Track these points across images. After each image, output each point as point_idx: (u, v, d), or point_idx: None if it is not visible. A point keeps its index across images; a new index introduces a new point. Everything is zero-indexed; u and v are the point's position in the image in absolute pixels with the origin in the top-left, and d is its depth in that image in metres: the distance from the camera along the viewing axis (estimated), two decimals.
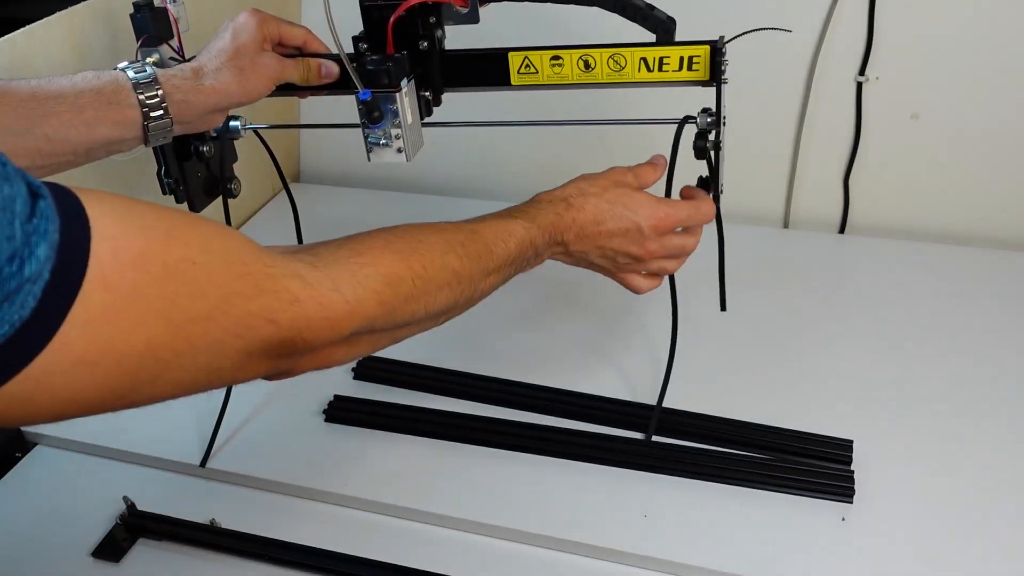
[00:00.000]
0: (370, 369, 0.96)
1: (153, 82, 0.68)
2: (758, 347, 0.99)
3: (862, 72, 1.16)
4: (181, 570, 0.77)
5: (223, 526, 0.79)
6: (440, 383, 0.94)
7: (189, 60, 0.79)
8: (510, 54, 0.78)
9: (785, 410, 0.88)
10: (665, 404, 0.89)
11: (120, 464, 0.87)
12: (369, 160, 0.79)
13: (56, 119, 0.64)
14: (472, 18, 0.76)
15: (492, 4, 0.78)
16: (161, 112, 0.68)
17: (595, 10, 0.76)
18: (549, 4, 0.76)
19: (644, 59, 0.75)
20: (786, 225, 1.27)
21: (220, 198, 0.88)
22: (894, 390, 0.92)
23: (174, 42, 0.79)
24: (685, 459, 0.84)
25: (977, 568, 0.73)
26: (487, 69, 0.79)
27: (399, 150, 0.78)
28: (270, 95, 0.77)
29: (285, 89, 0.79)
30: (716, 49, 0.74)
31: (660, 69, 0.75)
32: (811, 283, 1.10)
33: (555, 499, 0.81)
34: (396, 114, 0.76)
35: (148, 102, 0.68)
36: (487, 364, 0.96)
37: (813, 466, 0.82)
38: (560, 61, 0.77)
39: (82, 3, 0.90)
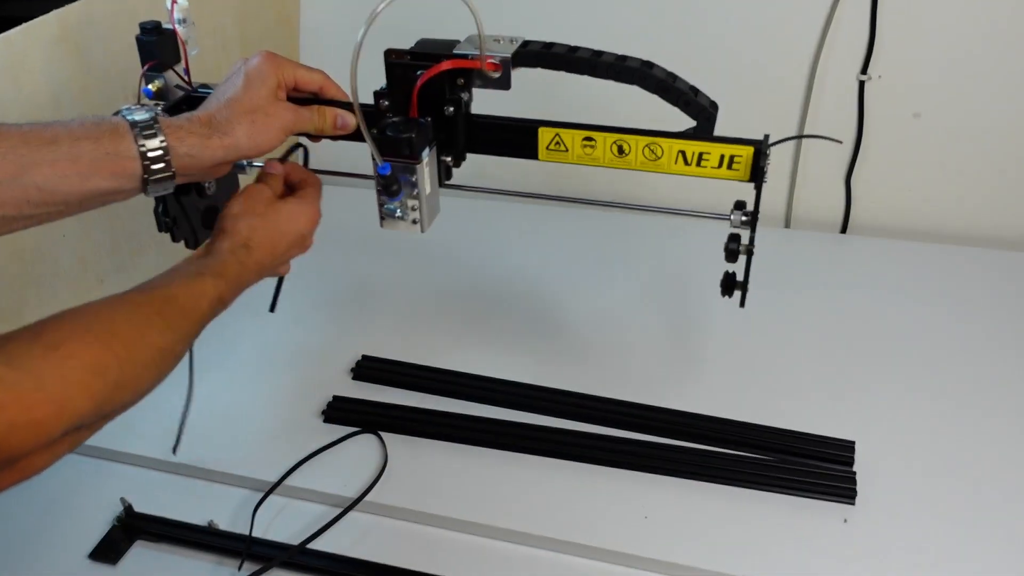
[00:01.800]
0: (369, 370, 0.96)
1: (157, 133, 0.63)
2: (759, 347, 0.98)
3: (864, 71, 1.15)
4: (178, 572, 0.76)
5: (221, 528, 0.79)
6: (439, 384, 0.94)
7: (196, 89, 0.75)
8: (540, 129, 0.73)
9: (787, 411, 0.88)
10: (666, 406, 0.89)
11: (118, 465, 0.87)
12: (382, 226, 0.76)
13: (48, 168, 0.59)
14: (504, 84, 0.71)
15: (524, 69, 0.71)
16: (163, 165, 0.63)
17: (630, 86, 0.71)
18: (584, 76, 0.71)
19: (683, 152, 0.70)
20: (788, 225, 1.27)
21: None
22: (896, 390, 0.92)
23: (181, 67, 0.75)
24: (686, 460, 0.83)
25: (979, 569, 0.73)
26: (514, 140, 0.74)
27: (414, 221, 0.74)
28: None
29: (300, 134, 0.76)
30: (760, 152, 0.69)
31: (698, 164, 0.70)
32: (813, 283, 1.10)
33: (555, 500, 0.80)
34: (414, 186, 0.72)
35: (150, 155, 0.62)
36: (486, 365, 0.96)
37: (815, 467, 0.82)
38: (592, 143, 0.72)
39: (78, 2, 0.89)
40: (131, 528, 0.79)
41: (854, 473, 0.81)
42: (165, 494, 0.83)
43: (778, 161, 1.24)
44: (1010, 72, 1.12)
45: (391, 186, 0.72)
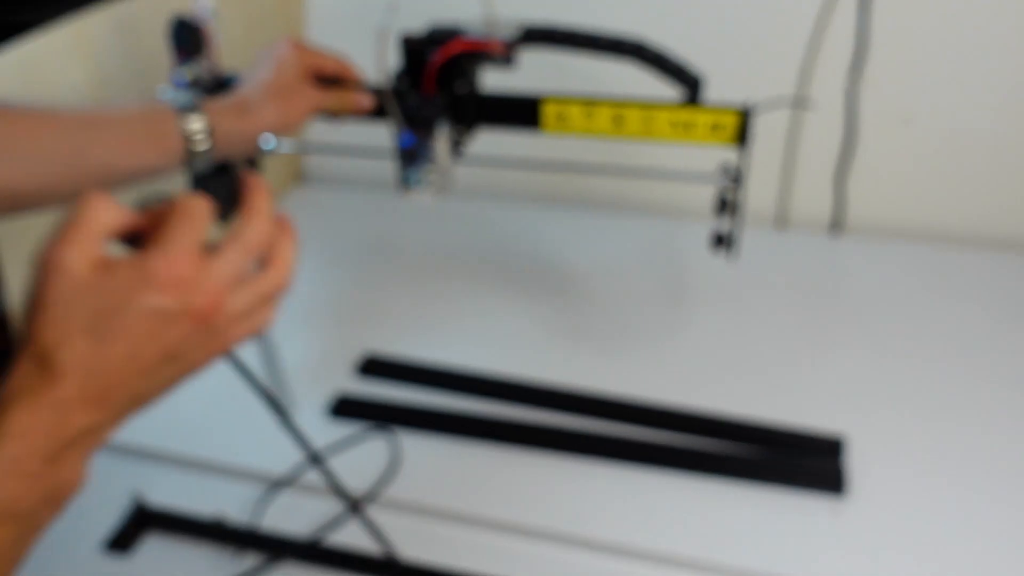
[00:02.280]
0: (375, 366, 0.98)
1: (198, 113, 0.70)
2: (752, 346, 1.00)
3: (855, 75, 1.17)
4: (189, 564, 0.78)
5: (230, 521, 0.81)
6: (444, 380, 0.96)
7: (228, 81, 0.80)
8: (545, 102, 0.79)
9: (778, 406, 0.90)
10: (660, 400, 0.91)
11: (130, 459, 0.88)
12: (402, 195, 0.82)
13: (104, 147, 0.66)
14: (509, 63, 0.79)
15: (528, 51, 0.79)
16: (205, 143, 0.70)
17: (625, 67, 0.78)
18: (584, 56, 0.78)
19: (673, 121, 0.77)
20: (780, 226, 1.29)
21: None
22: (887, 388, 0.94)
23: (210, 57, 0.80)
24: (678, 453, 0.85)
25: (968, 562, 0.75)
26: (521, 113, 0.80)
27: (431, 189, 0.81)
28: None
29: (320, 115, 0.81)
30: (745, 117, 0.76)
31: (687, 132, 0.77)
32: (805, 284, 1.12)
33: (553, 494, 0.82)
34: (431, 156, 0.79)
35: (194, 133, 0.69)
36: (490, 361, 0.97)
37: (805, 461, 0.84)
38: (591, 115, 0.78)
39: (94, 9, 0.90)
40: (143, 521, 0.81)
41: (844, 467, 0.83)
42: (177, 488, 0.85)
43: (769, 162, 1.25)
44: (1001, 77, 1.14)
45: (412, 155, 0.79)
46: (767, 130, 1.23)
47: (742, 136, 0.76)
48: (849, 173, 1.23)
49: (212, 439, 0.89)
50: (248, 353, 0.99)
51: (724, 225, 0.82)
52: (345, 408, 0.92)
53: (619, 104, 0.78)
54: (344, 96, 0.79)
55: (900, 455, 0.85)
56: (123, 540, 0.80)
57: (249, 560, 0.77)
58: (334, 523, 0.80)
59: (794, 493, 0.81)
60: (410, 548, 0.77)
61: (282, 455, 0.86)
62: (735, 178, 0.79)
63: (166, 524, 0.81)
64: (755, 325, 1.03)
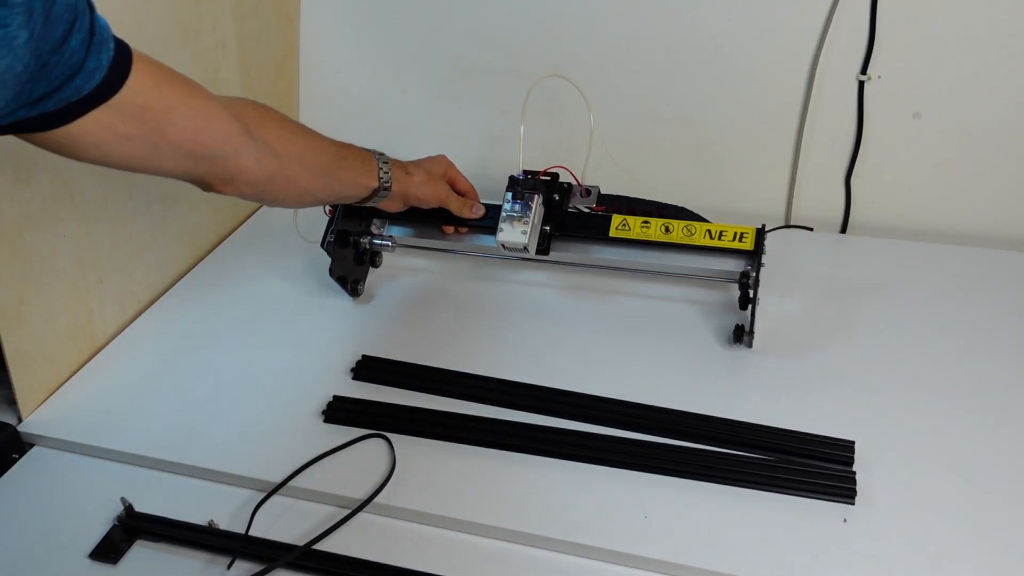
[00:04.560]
0: (369, 370, 0.96)
1: (388, 162, 0.94)
2: (759, 347, 0.98)
3: (864, 71, 1.15)
4: (179, 571, 0.76)
5: (221, 527, 0.79)
6: (439, 384, 0.94)
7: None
8: (613, 215, 1.04)
9: (787, 411, 0.88)
10: (666, 405, 0.90)
11: (118, 465, 0.87)
12: (496, 238, 1.00)
13: (345, 172, 0.90)
14: (590, 204, 1.04)
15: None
16: (387, 185, 0.94)
17: None
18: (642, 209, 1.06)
19: (709, 230, 1.01)
20: (788, 224, 1.27)
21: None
22: (896, 390, 0.92)
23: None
24: (686, 460, 0.84)
25: (979, 569, 0.73)
26: (593, 225, 1.04)
27: (523, 232, 0.99)
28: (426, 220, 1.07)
29: (438, 219, 1.05)
30: (760, 232, 0.99)
31: (719, 239, 1.00)
32: (813, 283, 1.10)
33: (555, 500, 0.80)
34: (530, 209, 1.00)
35: (384, 177, 0.93)
36: (486, 365, 0.96)
37: (815, 467, 0.82)
38: (648, 225, 1.02)
39: None
40: (131, 528, 0.79)
41: (854, 473, 0.81)
42: (166, 494, 0.83)
43: (778, 161, 1.24)
44: (1010, 72, 1.13)
45: (518, 191, 1.00)
46: (777, 129, 1.22)
47: (759, 244, 0.98)
48: (858, 173, 1.21)
49: (202, 445, 0.87)
50: (251, 354, 0.99)
51: (744, 318, 0.99)
52: (339, 411, 0.90)
53: (668, 220, 1.02)
54: (466, 201, 1.04)
55: (908, 457, 0.83)
56: (112, 547, 0.78)
57: (241, 566, 0.76)
58: (327, 529, 0.78)
59: (805, 500, 0.80)
60: (407, 553, 0.76)
61: (272, 461, 0.84)
62: (755, 280, 0.97)
63: (156, 531, 0.79)
64: (761, 326, 1.01)
